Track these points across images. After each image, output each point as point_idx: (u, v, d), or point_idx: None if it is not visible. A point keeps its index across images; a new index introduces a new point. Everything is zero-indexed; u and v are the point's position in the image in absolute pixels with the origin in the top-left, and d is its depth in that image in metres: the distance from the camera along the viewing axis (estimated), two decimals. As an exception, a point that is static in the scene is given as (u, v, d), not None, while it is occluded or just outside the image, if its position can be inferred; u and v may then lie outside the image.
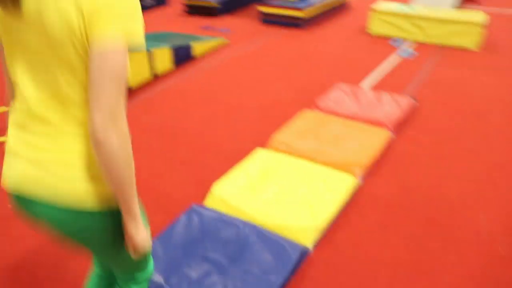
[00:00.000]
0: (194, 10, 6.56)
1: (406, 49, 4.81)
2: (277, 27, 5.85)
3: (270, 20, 5.97)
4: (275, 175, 2.55)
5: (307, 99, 3.62)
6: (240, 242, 2.07)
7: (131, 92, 3.80)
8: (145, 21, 1.15)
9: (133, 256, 1.14)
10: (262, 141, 3.00)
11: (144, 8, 6.41)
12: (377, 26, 5.30)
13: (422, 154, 2.90)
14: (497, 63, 4.47)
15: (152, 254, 1.53)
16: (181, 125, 3.34)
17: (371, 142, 2.88)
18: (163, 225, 2.21)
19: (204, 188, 2.50)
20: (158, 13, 6.64)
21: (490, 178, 2.64)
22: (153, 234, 2.09)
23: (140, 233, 1.08)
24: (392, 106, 3.37)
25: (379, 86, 3.86)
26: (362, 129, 3.04)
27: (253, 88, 3.92)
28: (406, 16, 5.04)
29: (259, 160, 2.68)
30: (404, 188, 2.56)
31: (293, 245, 2.03)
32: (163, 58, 4.30)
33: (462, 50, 4.79)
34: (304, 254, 2.04)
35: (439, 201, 2.44)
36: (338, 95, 3.58)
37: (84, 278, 1.74)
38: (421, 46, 4.93)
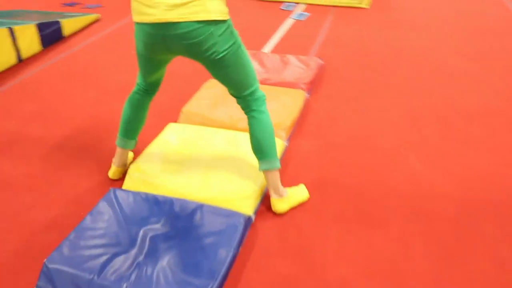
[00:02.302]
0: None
1: (300, 12, 4.95)
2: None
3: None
4: (195, 148, 2.44)
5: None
6: (178, 217, 1.95)
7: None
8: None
9: None
10: (172, 116, 2.84)
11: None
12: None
13: (341, 110, 3.01)
14: (390, 19, 4.83)
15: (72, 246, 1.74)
16: (70, 110, 3.01)
17: (289, 103, 2.90)
18: (79, 217, 1.98)
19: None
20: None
21: (412, 123, 2.84)
22: (69, 227, 1.88)
23: None
24: (301, 67, 3.44)
25: (281, 51, 3.92)
26: (277, 92, 3.05)
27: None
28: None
29: (175, 135, 2.54)
30: (331, 144, 2.64)
31: (236, 214, 1.95)
32: (29, 38, 3.83)
33: (354, 9, 5.08)
34: (248, 223, 1.98)
35: (370, 151, 2.56)
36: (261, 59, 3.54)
37: None
38: (313, 8, 5.12)
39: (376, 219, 2.07)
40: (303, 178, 2.33)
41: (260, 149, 1.98)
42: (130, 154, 2.44)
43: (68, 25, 4.35)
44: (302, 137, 2.70)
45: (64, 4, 5.35)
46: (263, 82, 3.20)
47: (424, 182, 2.31)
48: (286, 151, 2.55)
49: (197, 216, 1.96)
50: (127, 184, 2.21)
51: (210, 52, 1.75)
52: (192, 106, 2.87)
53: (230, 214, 1.95)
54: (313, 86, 3.29)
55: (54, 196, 2.20)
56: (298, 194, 2.14)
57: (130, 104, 2.15)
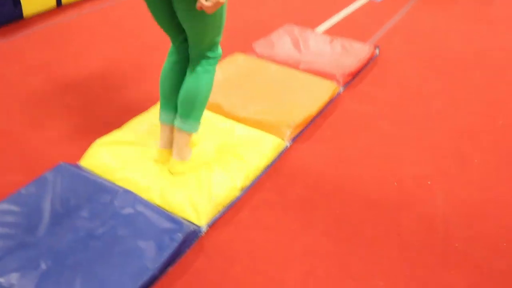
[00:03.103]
0: None
1: (377, -7, 4.33)
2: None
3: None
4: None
5: (244, 42, 3.12)
6: (113, 214, 1.67)
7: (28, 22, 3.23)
8: None
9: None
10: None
11: None
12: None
13: (373, 115, 2.49)
14: (487, 12, 4.06)
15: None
16: (80, 65, 2.81)
17: (311, 97, 2.46)
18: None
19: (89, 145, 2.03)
20: None
21: (457, 152, 2.24)
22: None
23: None
24: (347, 54, 2.93)
25: (337, 32, 3.40)
26: (303, 81, 2.62)
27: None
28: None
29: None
30: (339, 158, 2.15)
31: (180, 225, 1.62)
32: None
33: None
34: (192, 236, 1.63)
35: (382, 181, 2.03)
36: (281, 38, 3.10)
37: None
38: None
39: (362, 272, 1.61)
40: (287, 193, 1.91)
41: (191, 104, 1.80)
42: None
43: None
44: (311, 141, 2.25)
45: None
46: (295, 66, 2.76)
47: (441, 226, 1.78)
48: (283, 154, 2.12)
49: (135, 217, 1.65)
50: (84, 161, 1.95)
51: None
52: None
53: (173, 223, 1.62)
54: (354, 79, 2.78)
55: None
56: (200, 156, 1.94)
57: (164, 72, 1.91)
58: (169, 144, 1.94)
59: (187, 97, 1.79)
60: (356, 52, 2.95)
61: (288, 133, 2.20)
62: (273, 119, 2.24)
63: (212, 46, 1.78)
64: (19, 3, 3.34)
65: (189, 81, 1.79)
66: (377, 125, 2.40)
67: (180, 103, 1.81)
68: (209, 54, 1.79)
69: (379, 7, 4.01)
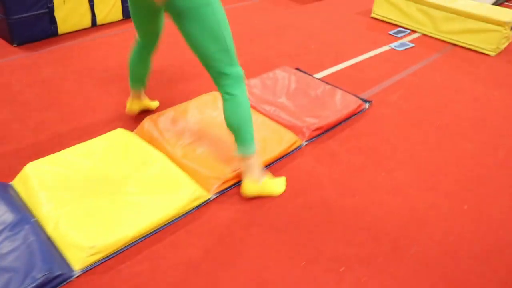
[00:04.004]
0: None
1: (403, 42, 4.15)
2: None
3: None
4: (110, 172, 2.14)
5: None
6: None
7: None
8: None
9: None
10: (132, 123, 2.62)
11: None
12: (381, 9, 4.63)
13: (321, 180, 2.32)
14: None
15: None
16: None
17: (264, 148, 2.39)
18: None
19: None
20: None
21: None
22: None
23: None
24: (329, 105, 2.83)
25: (342, 78, 3.31)
26: (264, 128, 2.55)
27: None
28: (418, 1, 4.34)
29: (103, 145, 2.29)
30: (252, 221, 2.07)
31: (49, 263, 1.64)
32: (110, 5, 3.97)
33: (474, 53, 4.06)
34: (61, 278, 1.66)
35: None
36: (268, 80, 3.08)
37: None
38: (425, 40, 4.24)
39: None
40: (169, 258, 1.88)
41: (233, 131, 1.99)
42: (155, 103, 2.76)
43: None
44: (227, 201, 2.12)
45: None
46: (267, 111, 2.72)
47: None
48: (203, 207, 2.08)
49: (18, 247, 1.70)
50: (16, 181, 2.08)
51: None
52: (158, 117, 2.58)
53: (44, 263, 1.65)
54: (326, 133, 2.67)
55: None
56: (272, 186, 2.13)
57: (131, 56, 2.35)
58: (136, 98, 2.56)
59: (228, 127, 1.98)
60: (340, 104, 2.85)
61: (215, 186, 2.13)
62: (203, 167, 2.18)
63: (223, 74, 1.87)
64: (55, 22, 3.65)
65: (224, 111, 1.95)
66: (321, 194, 2.21)
67: (231, 132, 2.00)
68: (225, 81, 1.88)
69: (398, 56, 3.84)
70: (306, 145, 2.56)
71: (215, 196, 2.13)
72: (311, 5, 5.03)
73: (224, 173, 2.17)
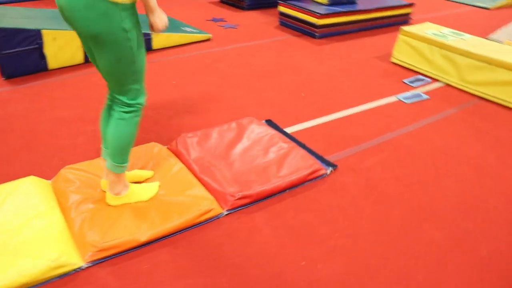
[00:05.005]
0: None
1: (417, 92, 3.58)
2: (293, 32, 4.99)
3: (286, 23, 5.13)
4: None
5: (187, 129, 2.83)
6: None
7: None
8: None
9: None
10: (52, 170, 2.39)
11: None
12: (402, 53, 4.08)
13: (220, 266, 1.93)
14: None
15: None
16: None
17: (165, 215, 2.04)
18: None
19: None
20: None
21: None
22: None
23: (160, 19, 1.75)
24: (274, 169, 2.40)
25: (319, 134, 2.87)
26: (183, 189, 2.21)
27: (168, 90, 3.25)
28: (443, 46, 3.75)
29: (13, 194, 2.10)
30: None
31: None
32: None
33: (501, 108, 3.38)
34: None
35: None
36: (219, 133, 2.72)
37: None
38: (448, 91, 3.63)
39: None
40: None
41: (113, 148, 1.93)
42: (147, 173, 2.31)
43: (158, 41, 4.25)
44: (122, 267, 1.83)
45: (212, 18, 5.35)
46: (195, 172, 2.37)
47: None
48: (69, 276, 1.77)
49: None
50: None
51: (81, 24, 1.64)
52: (68, 170, 2.33)
53: None
54: (256, 203, 2.25)
55: None
56: (139, 193, 2.10)
57: (102, 113, 2.11)
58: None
59: (109, 141, 1.92)
60: (289, 168, 2.41)
61: (89, 254, 1.83)
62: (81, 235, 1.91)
63: (128, 92, 1.81)
64: (44, 57, 3.64)
65: (109, 127, 1.90)
66: (213, 282, 1.82)
67: (107, 145, 1.94)
68: (126, 100, 1.83)
69: (401, 110, 3.30)
70: (226, 215, 2.16)
71: (87, 265, 1.82)
72: (328, 46, 4.61)
73: (104, 240, 1.87)
